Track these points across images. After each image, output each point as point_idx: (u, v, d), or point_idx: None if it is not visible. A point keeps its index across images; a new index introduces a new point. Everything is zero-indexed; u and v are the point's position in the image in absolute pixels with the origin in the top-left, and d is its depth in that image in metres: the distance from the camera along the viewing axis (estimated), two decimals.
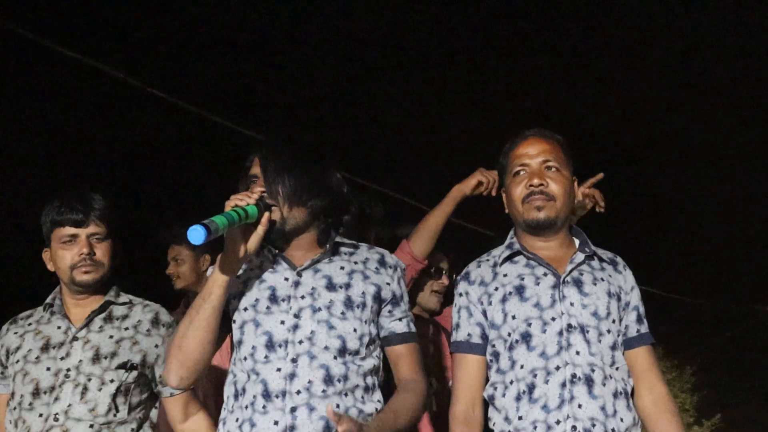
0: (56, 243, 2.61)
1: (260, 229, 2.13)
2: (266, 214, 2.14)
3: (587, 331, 2.31)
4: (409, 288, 3.13)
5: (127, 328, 2.64)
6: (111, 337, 2.60)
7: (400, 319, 2.30)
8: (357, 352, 2.20)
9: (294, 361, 2.14)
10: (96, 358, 2.56)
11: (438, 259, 3.30)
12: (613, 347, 2.35)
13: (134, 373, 2.58)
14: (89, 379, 2.52)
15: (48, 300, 2.69)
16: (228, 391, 2.24)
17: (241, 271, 2.26)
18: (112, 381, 2.54)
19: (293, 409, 2.11)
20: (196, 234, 1.90)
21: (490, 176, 3.05)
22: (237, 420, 2.17)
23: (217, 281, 2.14)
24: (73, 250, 2.59)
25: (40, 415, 2.49)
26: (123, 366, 2.57)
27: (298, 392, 2.12)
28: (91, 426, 2.49)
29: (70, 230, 2.58)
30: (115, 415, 2.53)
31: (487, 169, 3.05)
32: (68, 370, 2.53)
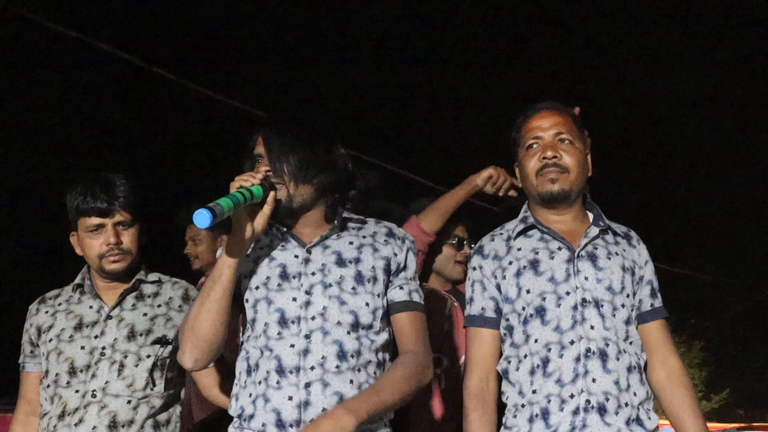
0: (83, 231, 2.62)
1: (266, 209, 2.12)
2: (272, 194, 2.13)
3: (601, 306, 2.31)
4: (422, 262, 3.12)
5: (159, 305, 2.69)
6: (145, 314, 2.65)
7: (400, 287, 2.28)
8: (370, 326, 2.20)
9: (307, 337, 2.15)
10: (131, 336, 2.60)
11: (458, 230, 3.30)
12: (627, 322, 2.35)
13: (169, 348, 2.62)
14: (125, 356, 2.57)
15: (77, 280, 2.71)
16: (240, 366, 2.25)
17: (250, 251, 2.26)
18: (148, 356, 2.60)
19: (307, 385, 2.12)
20: (202, 218, 1.89)
21: (502, 174, 3.05)
22: (250, 395, 2.18)
23: (226, 262, 2.14)
24: (100, 239, 2.60)
25: (77, 392, 2.54)
26: (158, 341, 2.62)
27: (312, 368, 2.13)
28: (129, 401, 2.54)
29: (95, 220, 2.59)
30: (152, 389, 2.58)
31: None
32: (103, 348, 2.57)
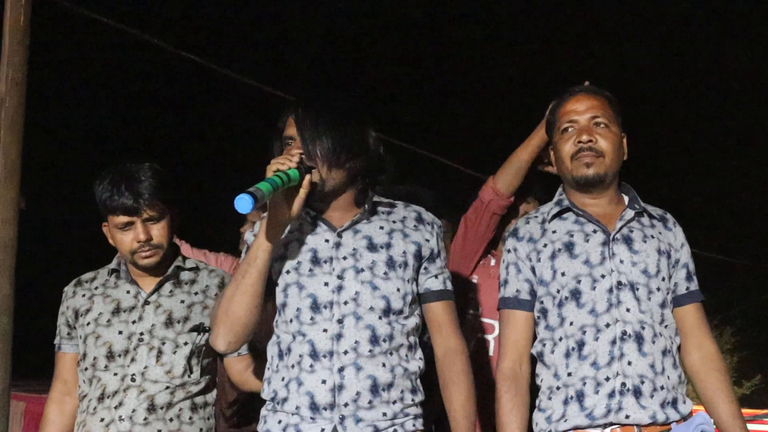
0: (112, 227, 2.61)
1: (302, 192, 2.11)
2: (307, 177, 2.11)
3: (637, 289, 2.30)
4: (493, 226, 3.06)
5: (196, 293, 2.69)
6: (182, 301, 2.65)
7: (435, 276, 2.30)
8: (401, 312, 2.21)
9: (340, 321, 2.16)
10: (169, 322, 2.61)
11: (530, 203, 3.20)
12: (663, 305, 2.34)
13: (205, 336, 2.62)
14: (163, 343, 2.59)
15: (113, 265, 2.72)
16: (272, 351, 2.27)
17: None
18: (186, 344, 2.61)
19: (341, 369, 2.13)
20: (244, 203, 1.88)
21: None
22: (283, 379, 2.20)
23: (261, 246, 2.14)
24: (130, 235, 2.58)
25: (115, 375, 2.57)
26: (195, 329, 2.62)
27: (345, 352, 2.14)
28: (167, 387, 2.56)
29: (123, 219, 2.57)
30: (189, 376, 2.60)
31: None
32: (141, 334, 2.59)
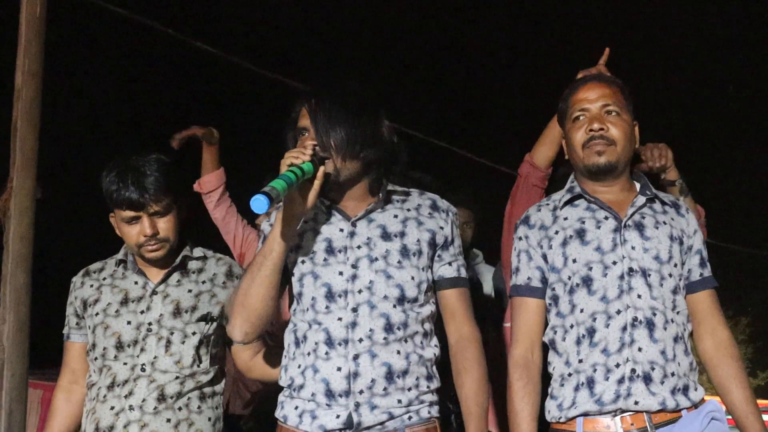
0: (119, 220, 2.61)
1: (317, 184, 2.11)
2: (321, 168, 2.11)
3: (649, 275, 2.30)
4: (536, 200, 2.96)
5: (204, 282, 2.69)
6: (190, 291, 2.65)
7: (450, 263, 2.31)
8: (416, 300, 2.23)
9: (354, 310, 2.18)
10: (177, 312, 2.61)
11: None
12: (675, 291, 2.34)
13: (214, 325, 2.64)
14: (172, 333, 2.59)
15: (120, 256, 2.72)
16: (288, 339, 2.29)
17: None
18: (194, 333, 2.61)
19: (356, 357, 2.15)
20: (259, 203, 1.89)
21: None
22: (299, 366, 2.21)
23: (277, 239, 2.16)
24: (136, 228, 2.58)
25: (125, 364, 2.58)
26: (204, 318, 2.63)
27: (360, 340, 2.16)
28: (177, 377, 2.57)
29: (129, 213, 2.56)
30: (198, 366, 2.60)
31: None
32: (150, 324, 2.59)
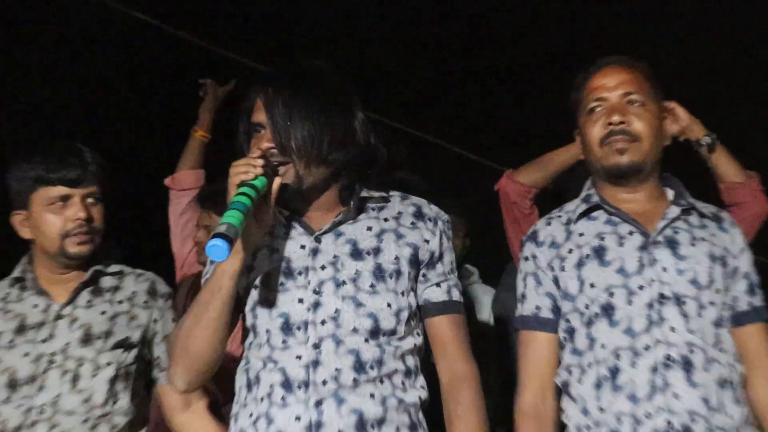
0: (40, 205, 2.28)
1: (272, 200, 1.80)
2: (276, 180, 1.79)
3: (684, 303, 1.95)
4: (520, 215, 2.98)
5: (120, 302, 2.35)
6: (103, 313, 2.31)
7: (437, 284, 1.97)
8: (393, 332, 1.88)
9: (316, 346, 1.83)
10: (87, 339, 2.26)
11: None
12: (717, 323, 1.98)
13: (134, 352, 2.30)
14: (80, 364, 2.23)
15: (16, 273, 2.37)
16: (240, 381, 1.94)
17: None
18: (108, 364, 2.25)
19: (318, 403, 1.80)
20: (218, 250, 1.59)
21: None
22: (251, 415, 1.87)
23: (227, 272, 1.80)
24: (65, 214, 2.27)
25: (19, 407, 2.20)
26: (121, 345, 2.28)
27: (324, 382, 1.81)
28: (86, 420, 2.20)
29: (62, 190, 2.26)
30: (114, 405, 2.25)
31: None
32: (53, 354, 2.23)
